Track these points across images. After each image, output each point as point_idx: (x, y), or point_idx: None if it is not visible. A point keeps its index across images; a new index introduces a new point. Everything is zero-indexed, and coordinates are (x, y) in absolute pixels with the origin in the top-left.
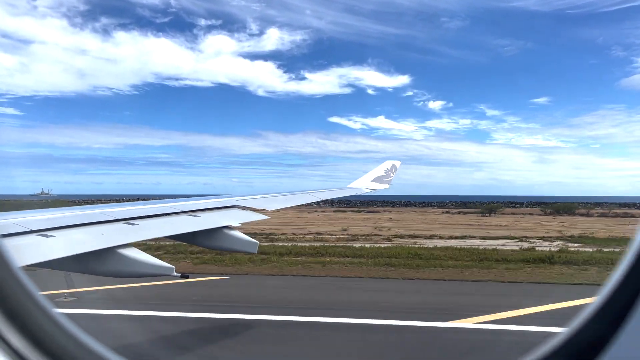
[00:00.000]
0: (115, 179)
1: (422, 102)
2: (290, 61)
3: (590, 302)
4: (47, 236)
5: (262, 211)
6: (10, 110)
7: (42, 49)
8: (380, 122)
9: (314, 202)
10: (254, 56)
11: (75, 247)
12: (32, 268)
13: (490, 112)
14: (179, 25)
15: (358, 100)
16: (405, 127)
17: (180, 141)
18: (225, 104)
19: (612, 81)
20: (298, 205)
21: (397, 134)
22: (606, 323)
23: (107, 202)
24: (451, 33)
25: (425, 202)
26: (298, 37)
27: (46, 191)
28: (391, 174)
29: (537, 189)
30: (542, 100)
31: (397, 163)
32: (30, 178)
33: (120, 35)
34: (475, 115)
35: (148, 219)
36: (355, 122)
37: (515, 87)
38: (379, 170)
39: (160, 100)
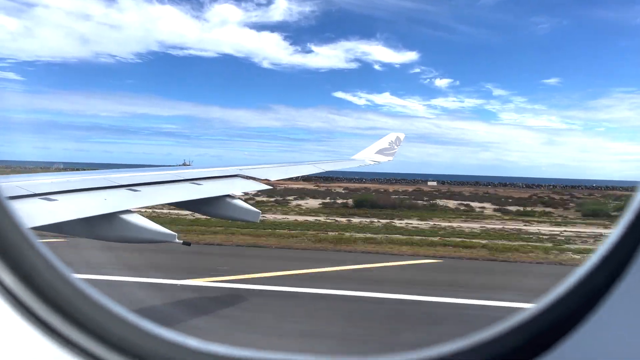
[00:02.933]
0: (123, 148)
1: (428, 80)
2: (297, 33)
3: (567, 278)
4: (50, 200)
5: (265, 181)
6: (11, 75)
7: (46, 12)
8: (385, 98)
9: (317, 173)
10: (260, 27)
11: (78, 212)
12: (37, 231)
13: (497, 92)
14: None
15: (364, 75)
16: (411, 104)
17: (187, 112)
18: (230, 75)
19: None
20: (302, 176)
21: (401, 112)
22: (583, 299)
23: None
24: (476, 9)
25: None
26: (307, 8)
27: (188, 162)
28: (395, 147)
29: (543, 170)
30: (552, 81)
31: (402, 135)
32: (34, 144)
33: (125, 1)
34: (481, 95)
35: (151, 185)
36: (360, 98)
37: (526, 67)
38: (383, 142)
39: (164, 70)
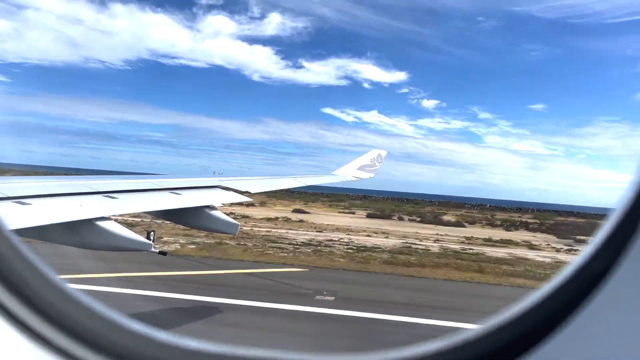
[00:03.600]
0: (109, 155)
1: (416, 100)
2: (289, 48)
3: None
4: (23, 204)
5: (246, 193)
6: None
7: (36, 15)
8: (373, 116)
9: (298, 187)
10: (252, 40)
11: (51, 217)
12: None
13: (482, 115)
14: (179, 2)
15: (353, 93)
16: (398, 123)
17: (175, 121)
18: (220, 87)
19: (626, 95)
20: (283, 189)
21: (389, 130)
22: (568, 299)
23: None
24: (471, 32)
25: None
26: (300, 24)
27: (218, 173)
28: (377, 163)
29: (525, 194)
30: (538, 107)
31: (383, 153)
32: (18, 147)
33: (117, 8)
34: (467, 117)
35: (129, 193)
36: (349, 115)
37: (514, 92)
38: (365, 159)
39: (154, 78)
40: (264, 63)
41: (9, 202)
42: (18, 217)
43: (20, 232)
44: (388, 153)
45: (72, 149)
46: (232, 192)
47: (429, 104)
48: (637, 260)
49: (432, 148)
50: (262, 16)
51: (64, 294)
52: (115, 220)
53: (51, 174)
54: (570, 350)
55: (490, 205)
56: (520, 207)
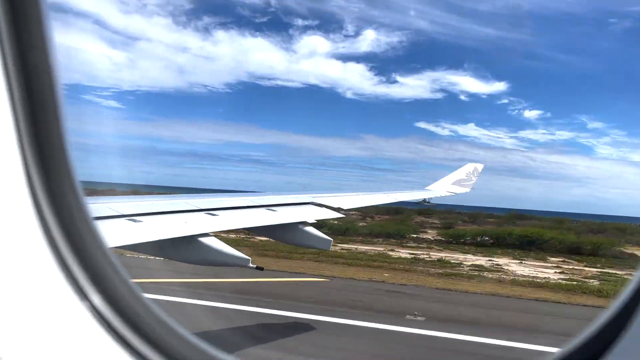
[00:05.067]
0: (217, 174)
1: (517, 111)
2: (383, 63)
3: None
4: (135, 221)
5: (338, 209)
6: (113, 103)
7: (148, 45)
8: (469, 129)
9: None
10: (347, 57)
11: (161, 233)
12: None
13: (592, 125)
14: (276, 25)
15: (448, 106)
16: (497, 136)
17: (277, 140)
18: (315, 105)
19: None
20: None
21: (486, 143)
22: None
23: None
24: (583, 37)
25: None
26: (395, 39)
27: (427, 200)
28: (473, 177)
29: None
30: None
31: (480, 166)
32: (137, 169)
33: (220, 34)
34: (574, 127)
35: (228, 210)
36: (444, 129)
37: (631, 98)
38: (460, 173)
39: (253, 99)
40: (357, 80)
41: (123, 220)
42: (131, 234)
43: (134, 247)
44: (486, 167)
45: (184, 169)
46: (324, 209)
47: (531, 114)
48: None
49: (540, 161)
50: (357, 33)
51: (146, 306)
52: (216, 236)
53: (154, 193)
54: None
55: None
56: None
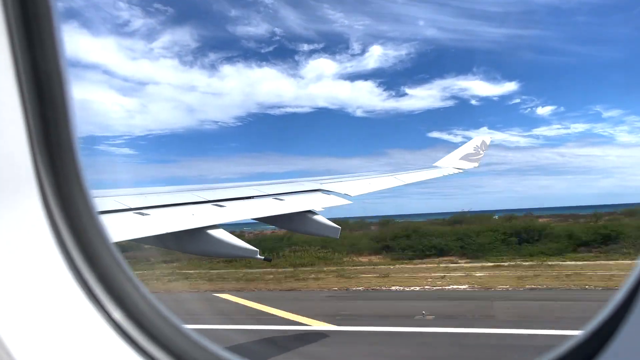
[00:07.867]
0: None
1: (529, 109)
2: (391, 78)
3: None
4: (143, 214)
5: (345, 196)
6: (126, 150)
7: (156, 89)
8: (482, 133)
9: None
10: (354, 77)
11: (168, 226)
12: (130, 244)
13: (607, 113)
14: (282, 52)
15: (460, 112)
16: (510, 137)
17: (301, 167)
18: (329, 127)
19: None
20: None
21: (500, 144)
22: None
23: None
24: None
25: None
26: (403, 51)
27: (466, 209)
28: (481, 151)
29: None
30: None
31: (487, 139)
32: None
33: (226, 69)
34: (588, 119)
35: (235, 201)
36: (457, 136)
37: None
38: (468, 147)
39: (266, 129)
40: (366, 97)
41: (130, 213)
42: (139, 227)
43: (141, 240)
44: (509, 168)
45: None
46: (332, 196)
47: (544, 111)
48: None
49: (569, 156)
50: (363, 51)
51: (154, 307)
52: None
53: None
54: None
55: None
56: None
